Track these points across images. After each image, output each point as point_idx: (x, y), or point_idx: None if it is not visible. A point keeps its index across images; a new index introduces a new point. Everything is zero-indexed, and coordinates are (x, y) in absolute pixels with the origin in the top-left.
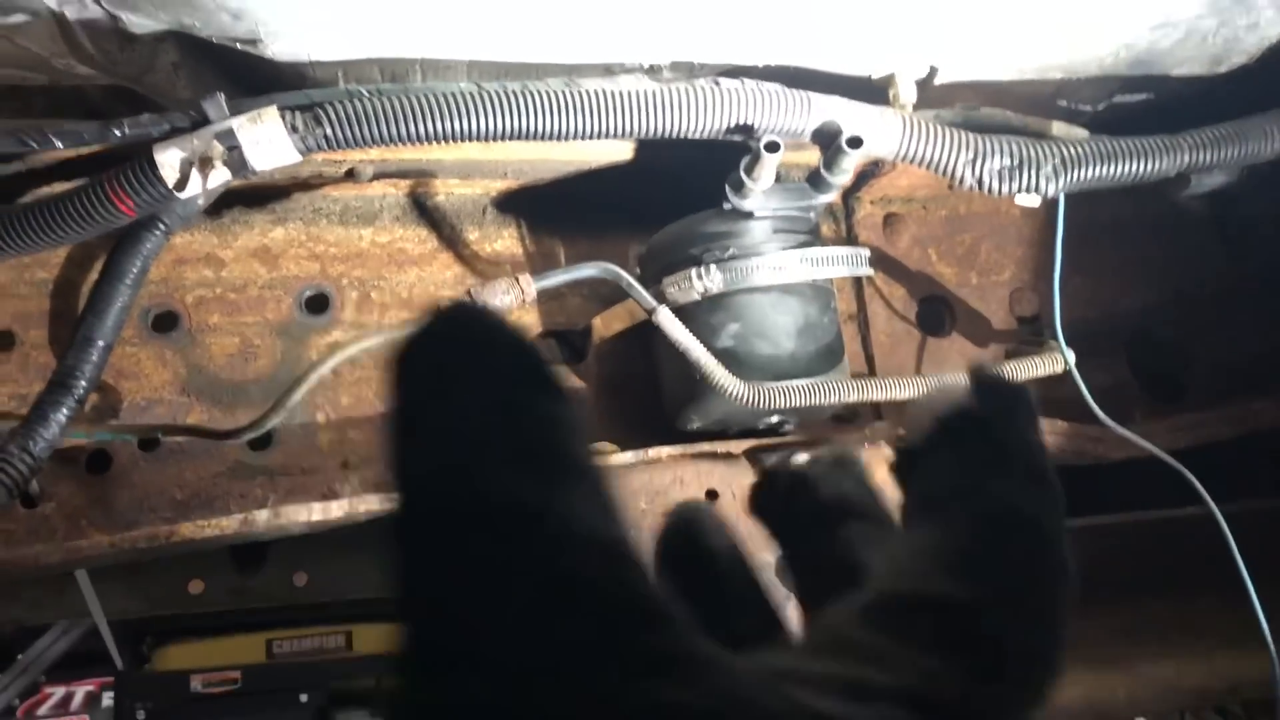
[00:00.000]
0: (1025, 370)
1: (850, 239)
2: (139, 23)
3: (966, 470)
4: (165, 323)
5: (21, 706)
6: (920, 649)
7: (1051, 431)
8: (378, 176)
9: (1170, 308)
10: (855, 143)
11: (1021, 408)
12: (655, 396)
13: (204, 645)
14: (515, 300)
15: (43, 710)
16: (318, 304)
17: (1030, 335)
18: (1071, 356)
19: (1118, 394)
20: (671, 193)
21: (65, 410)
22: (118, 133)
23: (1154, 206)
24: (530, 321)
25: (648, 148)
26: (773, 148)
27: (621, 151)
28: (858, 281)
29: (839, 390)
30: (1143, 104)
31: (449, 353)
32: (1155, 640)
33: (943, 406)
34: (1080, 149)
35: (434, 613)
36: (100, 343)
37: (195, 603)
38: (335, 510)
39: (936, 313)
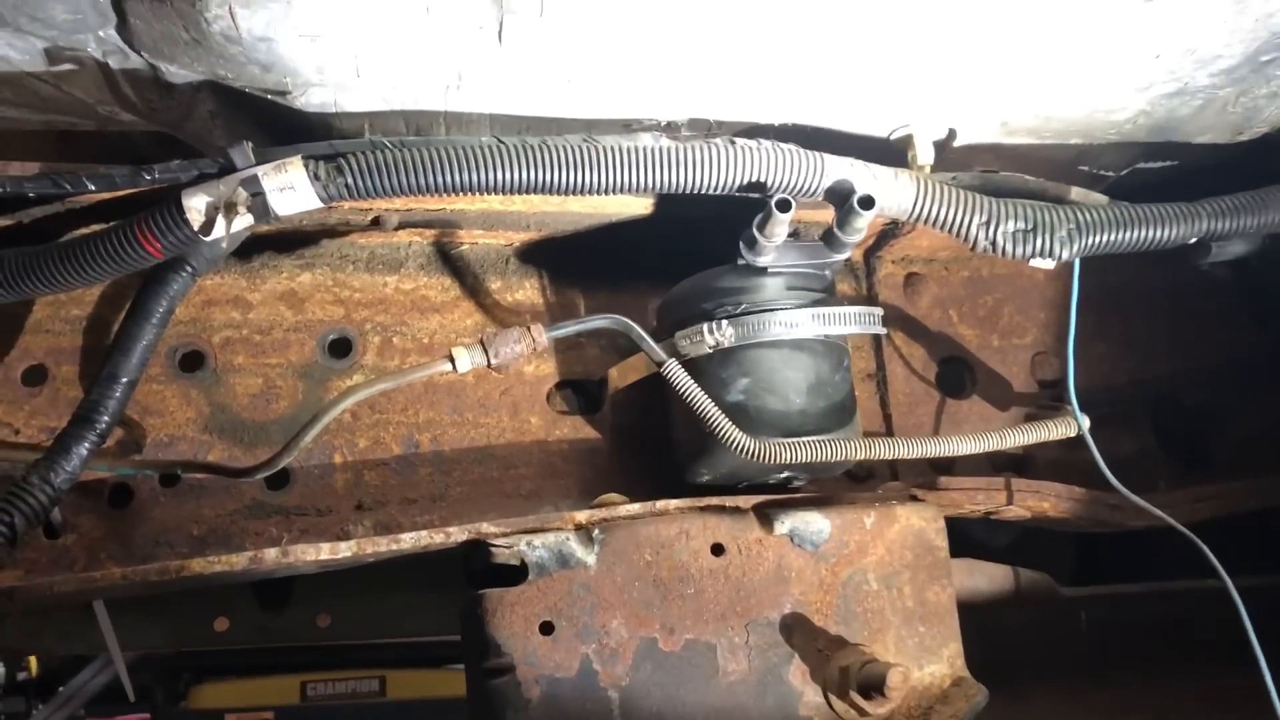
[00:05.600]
0: (1038, 434)
1: (871, 298)
2: (177, 73)
3: None
4: (191, 362)
5: None
6: None
7: (1069, 498)
8: (403, 225)
9: (1198, 376)
10: (867, 203)
11: None
12: (669, 447)
13: (239, 685)
14: (527, 349)
15: None
16: (340, 348)
17: (1050, 400)
18: (1086, 422)
19: (1142, 462)
20: (693, 247)
21: (87, 444)
22: (148, 177)
23: (1183, 275)
24: (548, 371)
25: (668, 202)
26: (784, 206)
27: (642, 206)
28: (877, 340)
29: (846, 448)
30: (1166, 171)
31: None
32: (1173, 713)
33: None
34: (1096, 214)
35: None
36: (124, 379)
37: (220, 640)
38: (343, 550)
39: (956, 374)
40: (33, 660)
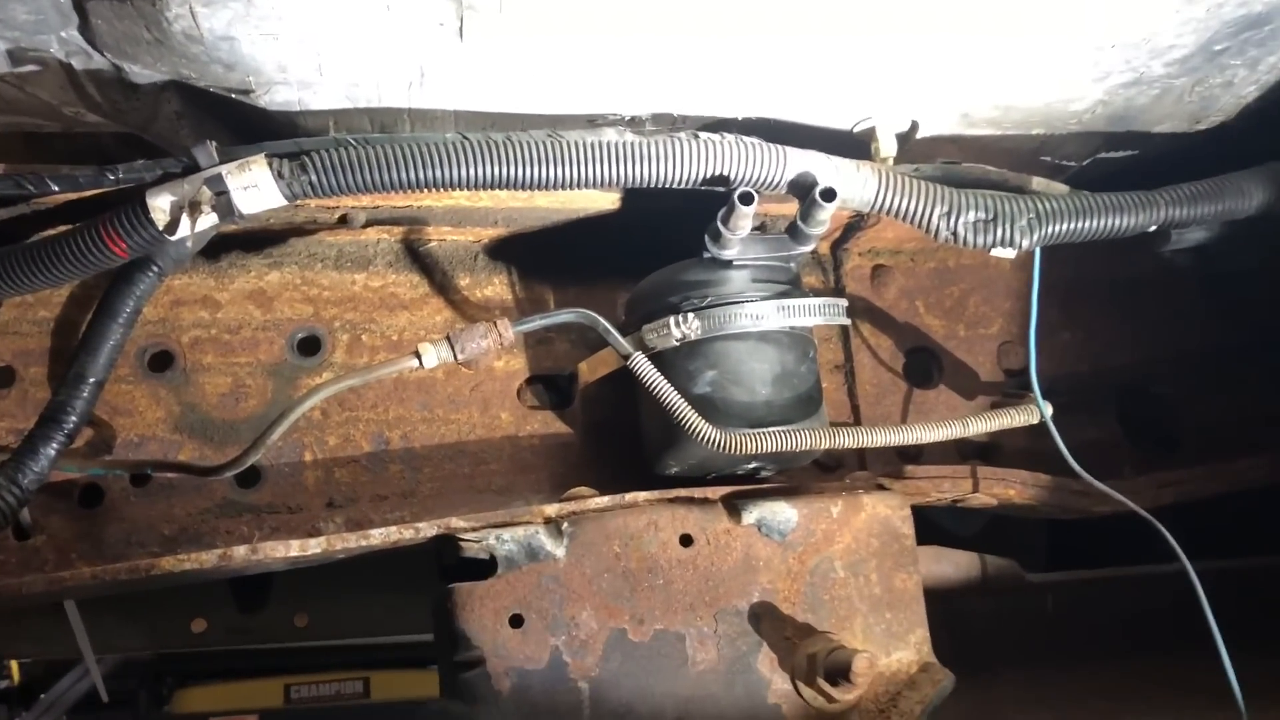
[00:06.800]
0: (1001, 422)
1: (838, 290)
2: (140, 73)
3: None
4: (160, 361)
5: None
6: None
7: (1034, 484)
8: (371, 223)
9: (1162, 364)
10: (829, 195)
11: None
12: (639, 440)
13: (222, 688)
14: (494, 343)
15: None
16: (309, 346)
17: (1016, 389)
18: (1048, 409)
19: (1107, 448)
20: (661, 241)
21: (55, 445)
22: (112, 177)
23: (1147, 263)
24: (518, 367)
25: (635, 197)
26: (746, 199)
27: (609, 201)
28: (844, 331)
29: (812, 438)
30: (1127, 160)
31: None
32: (1137, 697)
33: None
34: (1055, 204)
35: None
36: (91, 380)
37: (197, 640)
38: (313, 547)
39: (923, 364)
40: (14, 667)
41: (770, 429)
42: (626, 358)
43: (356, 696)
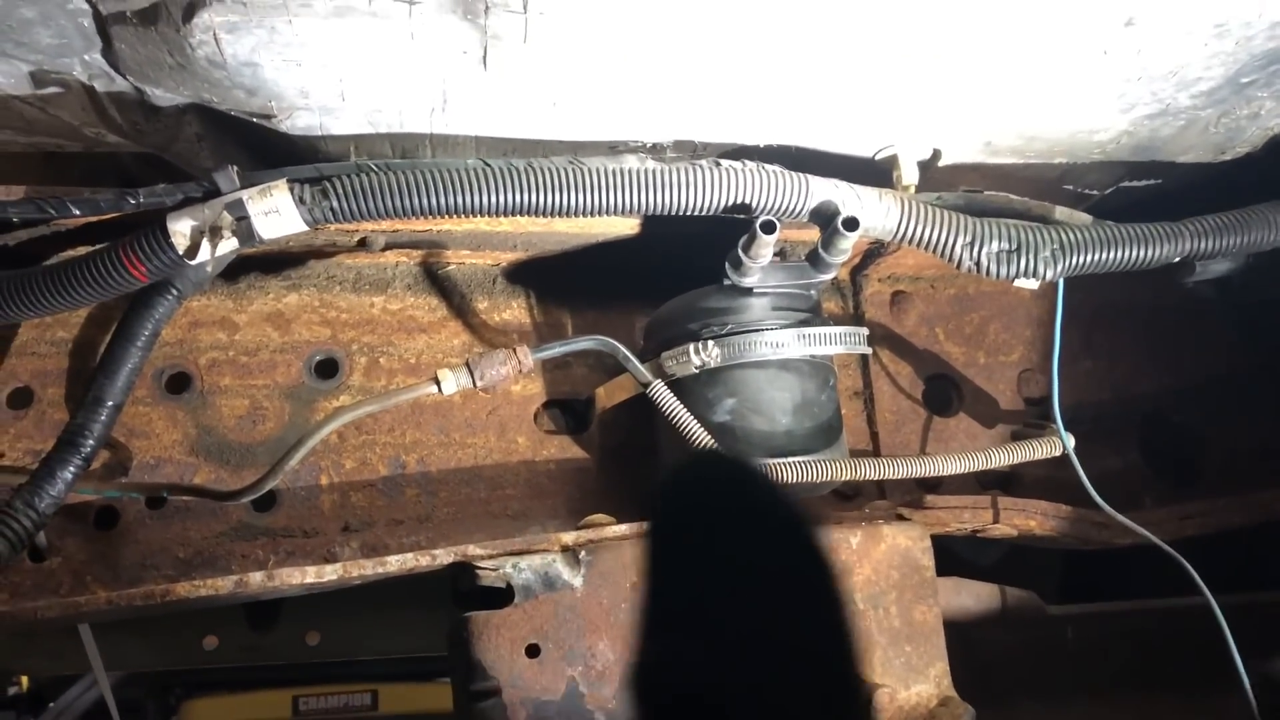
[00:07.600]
0: (1023, 454)
1: (858, 316)
2: (162, 96)
3: None
4: (178, 383)
5: None
6: None
7: (1055, 516)
8: (390, 246)
9: (1183, 393)
10: (851, 224)
11: None
12: (657, 467)
13: (231, 700)
14: (513, 370)
15: None
16: (327, 369)
17: (1036, 418)
18: (1070, 441)
19: (1128, 479)
20: (680, 267)
21: (72, 468)
22: (133, 201)
23: (1169, 291)
24: (535, 391)
25: (654, 222)
26: (768, 227)
27: (628, 226)
28: (864, 358)
29: (832, 469)
30: (1151, 189)
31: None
32: None
33: None
34: (1079, 234)
35: None
36: (109, 403)
37: (209, 658)
38: (329, 574)
39: (943, 392)
40: (24, 676)
41: (791, 459)
42: (646, 385)
43: (365, 709)
